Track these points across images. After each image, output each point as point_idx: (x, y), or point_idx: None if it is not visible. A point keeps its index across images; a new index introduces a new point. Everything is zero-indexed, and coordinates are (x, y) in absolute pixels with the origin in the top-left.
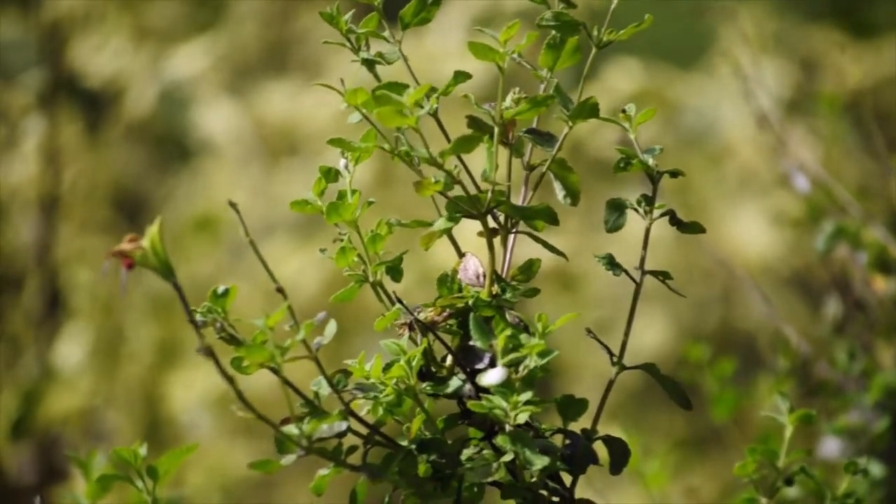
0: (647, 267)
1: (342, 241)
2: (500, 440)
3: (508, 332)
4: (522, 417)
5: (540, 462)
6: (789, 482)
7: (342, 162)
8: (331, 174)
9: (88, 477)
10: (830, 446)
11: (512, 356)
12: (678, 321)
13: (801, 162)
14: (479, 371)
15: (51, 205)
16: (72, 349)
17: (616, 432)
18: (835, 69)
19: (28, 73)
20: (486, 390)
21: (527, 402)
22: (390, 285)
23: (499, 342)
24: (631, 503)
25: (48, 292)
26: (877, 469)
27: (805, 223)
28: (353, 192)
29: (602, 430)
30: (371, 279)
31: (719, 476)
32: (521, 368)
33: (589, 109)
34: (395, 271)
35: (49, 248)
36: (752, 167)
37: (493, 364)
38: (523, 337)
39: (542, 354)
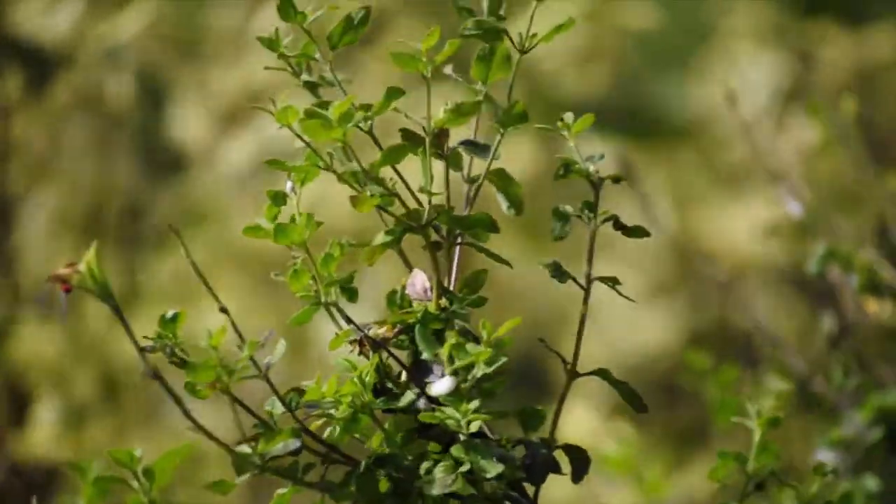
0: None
1: (295, 264)
2: (454, 450)
3: (452, 341)
4: (475, 426)
5: (493, 469)
6: (759, 487)
7: (288, 185)
8: (279, 198)
9: (86, 481)
10: (824, 459)
11: (458, 364)
12: (676, 321)
13: (792, 182)
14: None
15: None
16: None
17: (616, 431)
18: (830, 60)
19: None
20: (439, 402)
21: (478, 411)
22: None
23: (444, 351)
24: None
25: (14, 268)
26: (871, 482)
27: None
28: (302, 214)
29: (602, 428)
30: (324, 300)
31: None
32: (469, 377)
33: (517, 116)
34: (349, 291)
35: (10, 223)
36: (747, 162)
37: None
38: (469, 346)
39: (489, 362)
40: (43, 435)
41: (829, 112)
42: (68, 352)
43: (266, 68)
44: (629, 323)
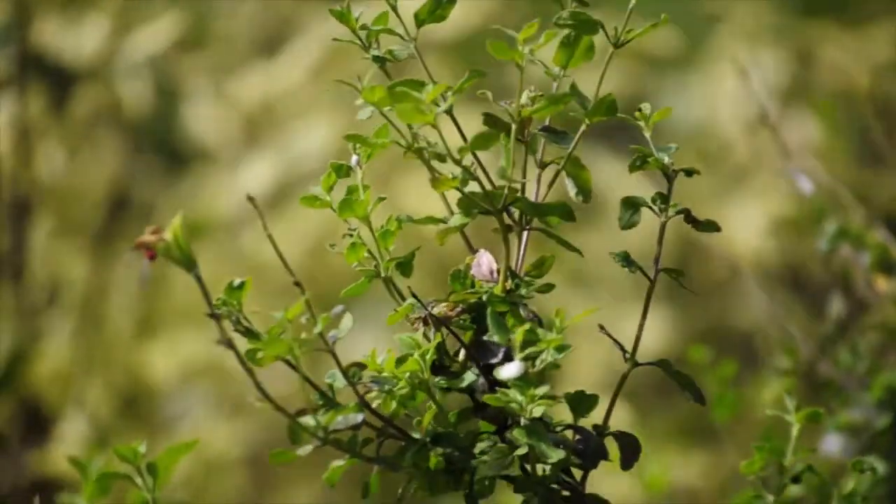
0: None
1: (352, 236)
2: (515, 434)
3: (527, 326)
4: (538, 411)
5: (556, 455)
6: (796, 480)
7: (354, 158)
8: (342, 170)
9: (87, 479)
10: (832, 443)
11: (529, 350)
12: (674, 318)
13: (804, 163)
14: (493, 365)
15: (25, 190)
16: (55, 327)
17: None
18: (831, 61)
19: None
20: (500, 384)
21: (543, 396)
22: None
23: (517, 337)
24: (625, 494)
25: (28, 277)
26: (879, 466)
27: (803, 224)
28: (365, 187)
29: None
30: (383, 275)
31: (716, 472)
32: (537, 362)
33: (607, 107)
34: (405, 266)
35: (25, 234)
36: (747, 163)
37: (507, 358)
38: (540, 332)
39: (558, 349)
40: (65, 452)
41: (832, 111)
42: (89, 367)
43: (334, 39)
44: (629, 322)
